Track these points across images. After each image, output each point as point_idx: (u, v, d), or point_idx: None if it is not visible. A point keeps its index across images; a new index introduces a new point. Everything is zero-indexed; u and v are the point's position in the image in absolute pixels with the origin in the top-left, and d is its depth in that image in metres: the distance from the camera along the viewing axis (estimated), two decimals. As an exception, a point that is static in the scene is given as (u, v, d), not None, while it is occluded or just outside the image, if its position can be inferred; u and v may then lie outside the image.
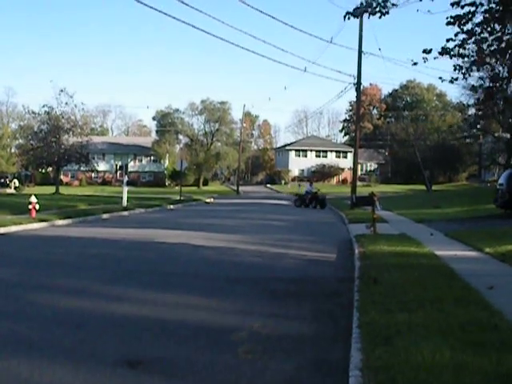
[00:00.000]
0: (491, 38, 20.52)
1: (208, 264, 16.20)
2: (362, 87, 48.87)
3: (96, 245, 20.21)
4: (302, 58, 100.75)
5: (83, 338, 8.32)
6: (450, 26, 20.39)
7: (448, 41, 20.72)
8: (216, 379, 6.76)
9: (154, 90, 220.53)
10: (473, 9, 19.88)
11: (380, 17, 20.71)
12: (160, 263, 16.16)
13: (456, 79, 20.42)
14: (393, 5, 20.38)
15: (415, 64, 21.59)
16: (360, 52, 45.05)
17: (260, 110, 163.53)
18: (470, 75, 21.29)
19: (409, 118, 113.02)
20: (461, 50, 20.70)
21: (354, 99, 50.87)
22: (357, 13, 22.21)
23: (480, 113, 52.71)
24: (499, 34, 20.90)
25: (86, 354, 7.57)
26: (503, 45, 20.59)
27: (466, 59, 21.19)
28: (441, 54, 20.38)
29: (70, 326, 9.00)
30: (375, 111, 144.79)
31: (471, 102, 56.79)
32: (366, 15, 23.49)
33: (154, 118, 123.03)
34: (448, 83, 22.04)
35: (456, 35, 20.13)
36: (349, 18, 21.45)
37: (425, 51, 20.63)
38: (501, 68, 21.44)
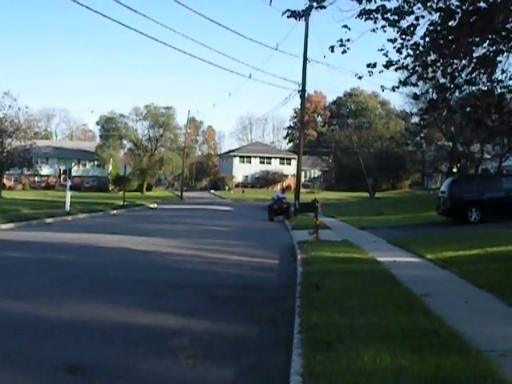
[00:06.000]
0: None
1: (151, 269, 16.13)
2: (306, 94, 49.11)
3: (38, 249, 19.95)
4: (247, 64, 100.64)
5: (23, 344, 8.22)
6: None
7: (391, 63, 20.85)
8: (157, 385, 6.72)
9: (99, 94, 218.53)
10: (415, 22, 20.03)
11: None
12: (103, 268, 16.01)
13: (398, 87, 20.55)
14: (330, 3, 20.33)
15: (360, 78, 21.64)
16: (305, 59, 45.13)
17: (205, 115, 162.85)
18: (413, 85, 21.44)
19: (353, 125, 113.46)
20: (405, 62, 20.84)
21: (299, 106, 50.95)
22: (299, 14, 22.02)
23: (423, 122, 53.54)
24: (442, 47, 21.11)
25: (26, 360, 7.47)
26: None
27: (410, 70, 21.35)
28: (385, 67, 20.51)
29: (9, 331, 8.87)
30: (319, 118, 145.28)
31: (414, 110, 57.49)
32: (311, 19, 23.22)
33: (97, 123, 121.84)
34: (390, 91, 22.15)
35: (399, 51, 20.24)
36: (288, 17, 21.13)
37: (369, 65, 20.73)
38: (444, 80, 21.67)
